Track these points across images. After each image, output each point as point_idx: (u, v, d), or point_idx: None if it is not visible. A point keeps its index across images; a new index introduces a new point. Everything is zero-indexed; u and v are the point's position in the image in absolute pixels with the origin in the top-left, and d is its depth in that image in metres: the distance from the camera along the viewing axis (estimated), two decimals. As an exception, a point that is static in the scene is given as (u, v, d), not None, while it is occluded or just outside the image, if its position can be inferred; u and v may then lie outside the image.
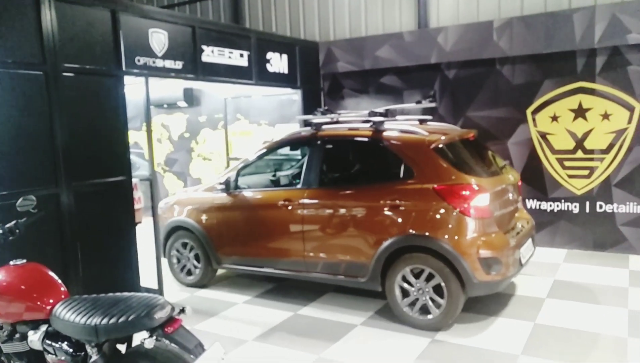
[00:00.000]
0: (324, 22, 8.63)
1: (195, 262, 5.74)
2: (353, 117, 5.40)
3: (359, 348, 4.18)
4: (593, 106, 6.45)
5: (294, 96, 7.91)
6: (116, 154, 4.96)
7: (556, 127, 6.69)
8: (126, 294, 2.70)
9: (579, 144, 6.58)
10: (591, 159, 6.53)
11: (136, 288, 5.13)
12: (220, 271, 6.01)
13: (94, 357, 2.53)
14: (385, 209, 4.50)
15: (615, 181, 6.42)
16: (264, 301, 5.30)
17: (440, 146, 4.48)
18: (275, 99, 8.24)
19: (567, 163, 6.63)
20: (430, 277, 4.34)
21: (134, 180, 5.23)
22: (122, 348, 2.69)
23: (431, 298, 4.36)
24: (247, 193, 5.38)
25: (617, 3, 6.16)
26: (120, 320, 2.43)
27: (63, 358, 2.66)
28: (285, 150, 6.22)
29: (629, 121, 6.27)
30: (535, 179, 6.86)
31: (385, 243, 4.46)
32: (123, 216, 5.06)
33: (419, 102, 5.16)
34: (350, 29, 8.36)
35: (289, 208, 5.00)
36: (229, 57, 6.41)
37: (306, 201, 4.92)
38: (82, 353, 2.62)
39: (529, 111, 6.85)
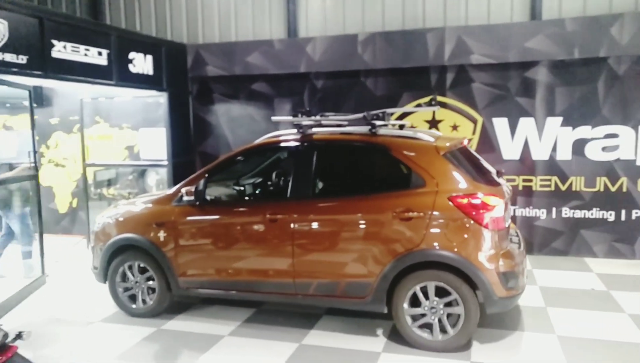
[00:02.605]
0: (192, 24, 8.37)
1: (148, 288, 4.89)
2: (339, 120, 4.93)
3: (226, 359, 4.06)
4: (444, 118, 7.10)
5: (160, 98, 7.53)
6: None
7: (414, 136, 7.24)
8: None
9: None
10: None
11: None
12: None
13: None
14: (393, 221, 4.03)
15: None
16: (124, 318, 4.92)
17: (449, 152, 4.17)
18: (139, 101, 7.77)
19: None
20: (444, 295, 3.99)
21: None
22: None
23: (446, 317, 4.02)
24: (220, 206, 4.74)
25: (462, 26, 6.88)
26: None
27: None
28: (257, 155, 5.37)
29: (473, 132, 7.01)
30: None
31: (394, 259, 4.01)
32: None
33: (419, 105, 4.78)
34: (220, 33, 8.22)
35: (276, 222, 4.37)
36: (85, 54, 5.89)
37: (297, 214, 4.32)
38: None
39: (390, 121, 7.31)
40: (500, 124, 6.88)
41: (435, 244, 3.93)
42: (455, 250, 3.89)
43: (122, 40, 6.51)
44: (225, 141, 8.10)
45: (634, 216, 6.52)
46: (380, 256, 4.07)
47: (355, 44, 7.18)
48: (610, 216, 6.60)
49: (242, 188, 5.15)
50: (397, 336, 4.38)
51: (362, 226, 4.16)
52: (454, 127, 7.05)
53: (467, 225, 3.89)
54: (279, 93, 7.76)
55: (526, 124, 6.76)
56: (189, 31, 8.39)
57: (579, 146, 6.64)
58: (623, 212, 6.55)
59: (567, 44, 6.39)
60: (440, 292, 4.00)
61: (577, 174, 6.68)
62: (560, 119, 6.64)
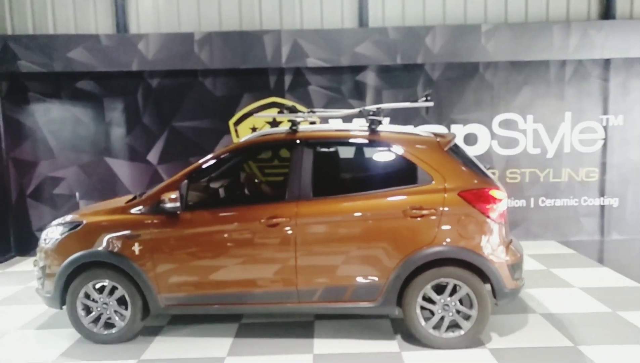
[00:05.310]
0: (-2, 12, 7.29)
1: (120, 309, 4.24)
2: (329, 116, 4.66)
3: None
4: (284, 120, 7.23)
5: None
6: None
7: (255, 137, 7.26)
8: None
9: (275, 153, 7.29)
10: (284, 166, 7.31)
11: None
12: None
13: None
14: (404, 219, 3.92)
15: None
16: None
17: (449, 148, 4.13)
18: None
19: (266, 170, 7.26)
20: (456, 291, 3.96)
21: None
22: None
23: (457, 312, 3.98)
24: (208, 211, 4.21)
25: (298, 30, 7.10)
26: None
27: None
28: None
29: (312, 133, 7.27)
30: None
31: (406, 258, 3.89)
32: None
33: (414, 101, 4.56)
34: (35, 23, 7.29)
35: (276, 226, 4.01)
36: None
37: (298, 216, 4.00)
38: None
39: (231, 123, 7.24)
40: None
41: (448, 240, 3.89)
42: (468, 245, 3.88)
43: None
44: (46, 145, 7.23)
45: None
46: (391, 256, 3.94)
47: (192, 42, 6.95)
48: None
49: (229, 191, 4.81)
50: (242, 337, 4.33)
51: (371, 225, 3.99)
52: (294, 128, 7.24)
53: (478, 220, 3.90)
54: (109, 93, 7.17)
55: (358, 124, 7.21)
56: (-5, 20, 7.29)
57: (404, 144, 7.30)
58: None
59: (390, 51, 7.00)
60: (454, 289, 3.98)
61: (404, 170, 7.35)
62: (387, 119, 7.23)
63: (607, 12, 7.25)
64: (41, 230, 7.29)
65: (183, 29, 7.30)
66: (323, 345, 4.14)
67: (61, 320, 4.81)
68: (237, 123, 7.25)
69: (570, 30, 7.00)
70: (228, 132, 7.25)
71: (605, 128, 7.30)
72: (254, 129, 7.25)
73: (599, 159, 7.34)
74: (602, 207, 7.42)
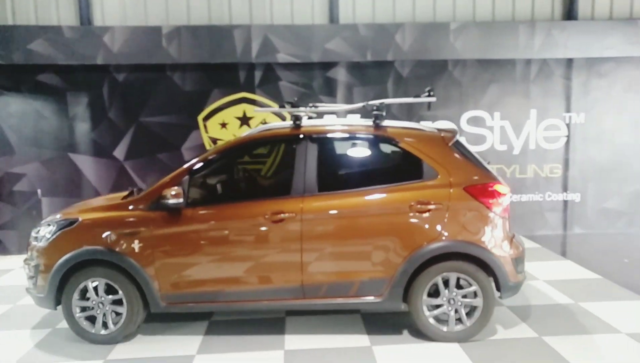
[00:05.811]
0: (-47, 0, 6.97)
1: (117, 308, 4.12)
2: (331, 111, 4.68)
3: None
4: (255, 115, 7.18)
5: None
6: None
7: (225, 133, 7.18)
8: None
9: (249, 151, 7.20)
10: (257, 163, 7.26)
11: None
12: None
13: None
14: (410, 214, 3.93)
15: (276, 181, 7.26)
16: None
17: (454, 143, 4.15)
18: None
19: (239, 166, 7.16)
20: (461, 285, 3.99)
21: None
22: None
23: (456, 309, 4.00)
24: (211, 207, 4.14)
25: (268, 25, 7.04)
26: None
27: None
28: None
29: (283, 129, 7.23)
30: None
31: (413, 253, 3.90)
32: None
33: (417, 96, 4.52)
34: (-7, 14, 7.01)
35: (281, 222, 3.96)
36: None
37: (303, 211, 3.96)
38: None
39: (200, 118, 7.13)
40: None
41: (455, 235, 3.92)
42: (474, 239, 3.93)
43: None
44: (5, 140, 6.97)
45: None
46: (398, 250, 3.94)
47: (160, 36, 6.81)
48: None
49: (230, 186, 4.79)
50: (212, 334, 4.28)
51: (376, 220, 3.98)
52: (264, 124, 7.17)
53: (483, 214, 3.94)
54: (72, 86, 6.96)
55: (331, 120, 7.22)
56: (-51, 9, 6.97)
57: (374, 140, 7.33)
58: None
59: (361, 48, 7.02)
60: (460, 283, 4.02)
61: (374, 166, 7.39)
62: (358, 116, 7.25)
63: (569, 12, 7.47)
64: (0, 228, 7.08)
65: (150, 22, 7.14)
66: (294, 341, 4.13)
67: (24, 320, 4.66)
68: (206, 118, 7.14)
69: (535, 30, 7.18)
70: (197, 127, 7.14)
71: (568, 126, 7.53)
72: (223, 125, 7.16)
73: (562, 156, 7.57)
74: (565, 202, 7.65)
